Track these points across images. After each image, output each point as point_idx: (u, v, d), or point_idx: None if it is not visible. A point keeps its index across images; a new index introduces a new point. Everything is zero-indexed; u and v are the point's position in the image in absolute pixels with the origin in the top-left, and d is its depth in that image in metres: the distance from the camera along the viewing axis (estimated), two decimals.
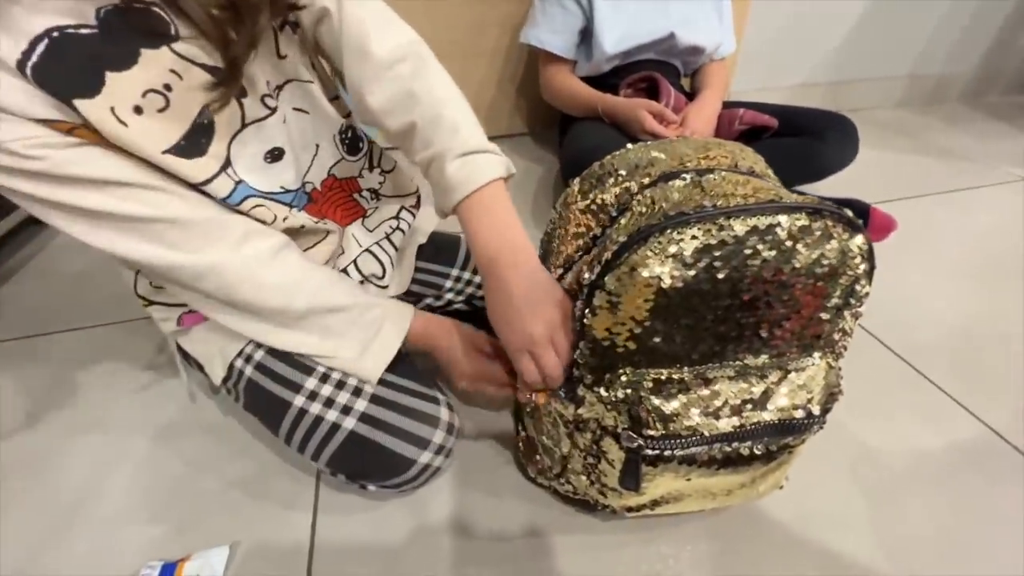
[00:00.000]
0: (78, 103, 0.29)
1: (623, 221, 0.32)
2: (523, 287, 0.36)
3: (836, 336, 0.34)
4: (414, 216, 0.52)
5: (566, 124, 0.96)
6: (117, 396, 0.55)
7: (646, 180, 0.33)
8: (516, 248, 0.37)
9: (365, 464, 0.41)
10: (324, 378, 0.41)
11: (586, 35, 0.90)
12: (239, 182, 0.37)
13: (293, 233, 0.42)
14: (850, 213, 0.30)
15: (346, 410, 0.40)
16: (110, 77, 0.30)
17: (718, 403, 0.32)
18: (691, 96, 0.93)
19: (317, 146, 0.42)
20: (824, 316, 0.32)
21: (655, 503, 0.40)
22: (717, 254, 0.28)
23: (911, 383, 0.58)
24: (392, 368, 0.42)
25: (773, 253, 0.29)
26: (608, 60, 0.89)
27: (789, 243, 0.29)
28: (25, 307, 0.71)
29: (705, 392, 0.32)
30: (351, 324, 0.41)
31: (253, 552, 0.42)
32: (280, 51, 0.38)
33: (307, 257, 0.41)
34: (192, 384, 0.54)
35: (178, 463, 0.49)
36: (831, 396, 0.34)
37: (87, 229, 0.33)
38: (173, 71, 0.32)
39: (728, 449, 0.34)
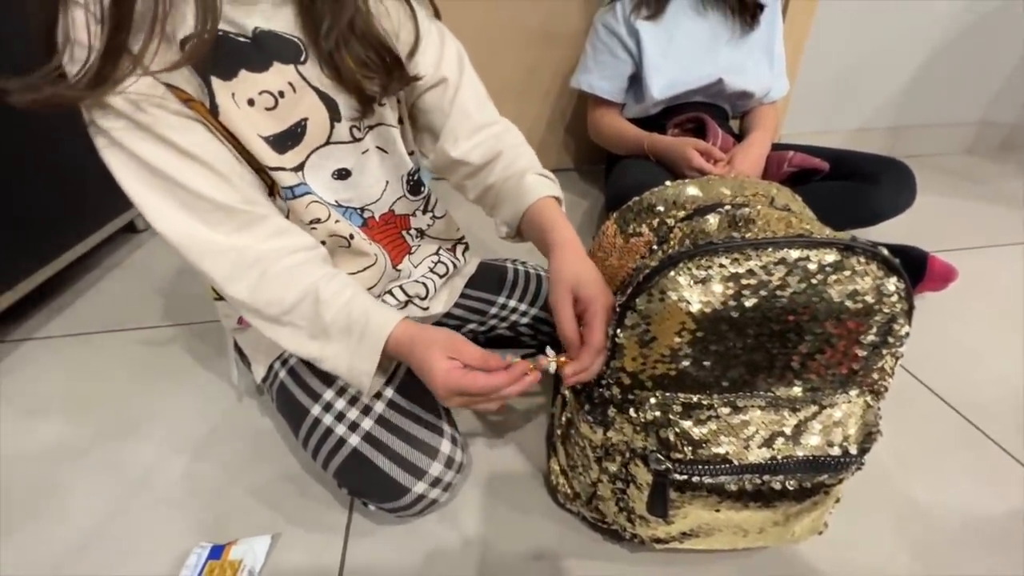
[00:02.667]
0: (213, 80, 0.36)
1: (659, 253, 0.34)
2: (595, 268, 0.40)
3: (874, 375, 0.34)
4: (453, 256, 0.56)
5: (613, 161, 0.99)
6: (179, 391, 0.61)
7: (681, 214, 0.35)
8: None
9: (364, 483, 0.43)
10: (341, 391, 0.44)
11: (635, 80, 0.94)
12: (304, 182, 0.42)
13: (342, 248, 0.45)
14: (885, 251, 0.30)
15: (353, 426, 0.42)
16: (243, 73, 0.37)
17: (748, 432, 0.33)
18: (740, 138, 0.94)
19: (387, 182, 0.47)
20: (860, 352, 0.32)
21: (684, 535, 0.39)
22: (745, 283, 0.30)
23: (969, 440, 0.54)
24: (404, 389, 0.44)
25: (803, 286, 0.30)
26: (656, 104, 0.92)
27: (820, 277, 0.30)
28: (115, 302, 0.79)
29: (735, 420, 0.33)
30: (336, 316, 0.39)
31: (292, 543, 0.44)
32: (381, 100, 0.44)
33: (353, 279, 0.44)
34: (243, 383, 0.58)
35: (228, 457, 0.52)
36: (869, 436, 0.33)
37: (143, 188, 0.36)
38: (291, 84, 0.39)
39: (759, 481, 0.33)
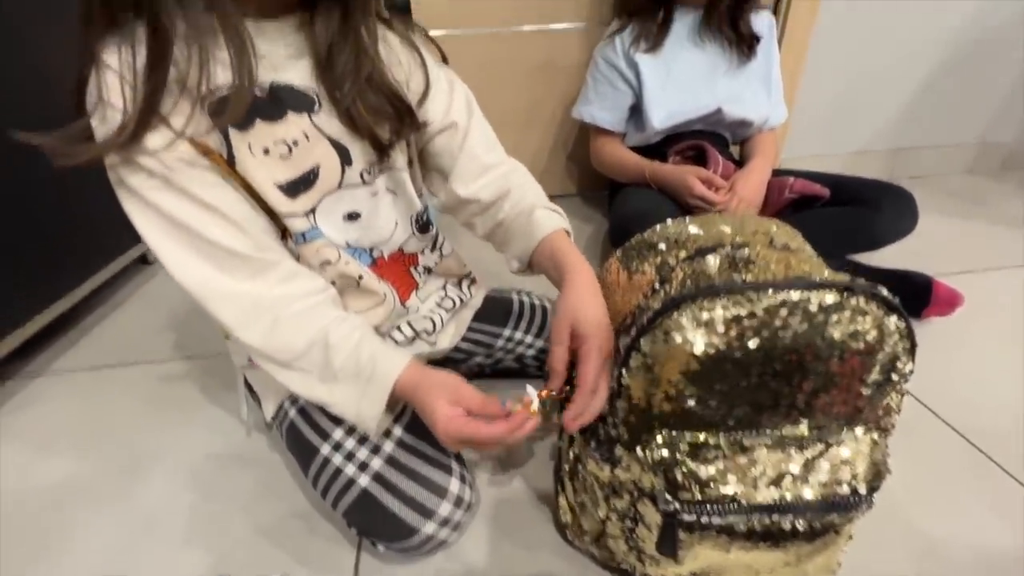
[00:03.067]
0: (231, 131, 0.37)
1: (661, 293, 0.34)
2: (602, 303, 0.40)
3: (880, 412, 0.34)
4: (460, 290, 0.57)
5: (615, 188, 1.01)
6: (189, 426, 0.62)
7: (683, 254, 0.36)
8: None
9: (373, 524, 0.43)
10: (351, 431, 0.44)
11: (636, 110, 0.96)
12: (315, 226, 0.43)
13: (349, 288, 0.47)
14: (884, 292, 0.31)
15: (363, 467, 0.43)
16: (259, 123, 0.39)
17: (756, 472, 0.33)
18: (740, 164, 0.96)
19: (397, 223, 0.48)
20: (864, 391, 0.32)
21: (695, 575, 0.39)
22: (747, 324, 0.30)
23: (982, 471, 0.53)
24: (413, 427, 0.44)
25: (805, 326, 0.30)
26: (657, 133, 0.94)
27: (821, 317, 0.30)
28: (127, 335, 0.81)
29: (742, 460, 0.33)
30: (345, 362, 0.39)
31: None
32: (393, 146, 0.45)
33: (362, 317, 0.46)
34: (251, 419, 0.59)
35: (237, 493, 0.53)
36: (877, 474, 0.33)
37: (162, 238, 0.37)
38: (304, 133, 0.41)
39: (768, 521, 0.33)
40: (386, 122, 0.43)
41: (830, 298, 0.30)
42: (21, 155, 0.69)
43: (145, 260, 1.02)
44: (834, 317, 0.30)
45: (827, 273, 0.32)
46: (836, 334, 0.30)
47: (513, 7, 1.04)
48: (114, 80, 0.34)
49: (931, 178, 1.30)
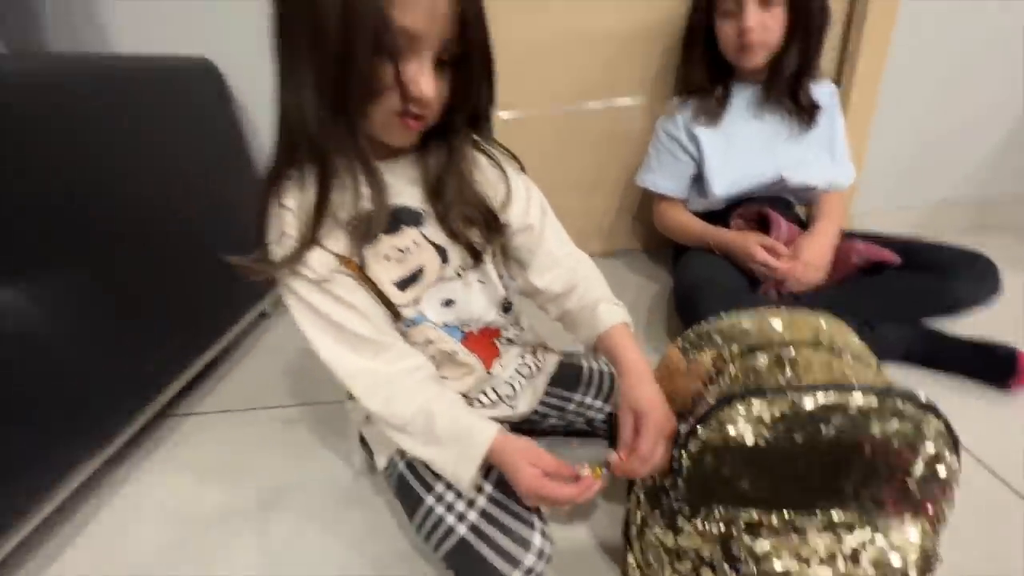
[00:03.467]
0: (365, 248, 0.48)
1: (719, 384, 0.40)
2: (656, 387, 0.47)
3: (929, 505, 0.37)
4: (536, 358, 0.65)
5: (680, 249, 1.06)
6: (306, 468, 0.73)
7: (735, 349, 0.42)
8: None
9: (468, 568, 0.49)
10: (450, 485, 0.52)
11: (698, 178, 1.01)
12: (420, 313, 0.53)
13: (446, 360, 0.56)
14: (923, 396, 0.35)
15: (460, 517, 0.50)
16: (383, 237, 0.50)
17: (807, 552, 0.37)
18: (805, 226, 0.98)
19: (484, 307, 0.58)
20: (911, 485, 0.36)
21: None
22: (793, 421, 0.35)
23: None
24: (501, 486, 0.51)
25: (847, 425, 0.35)
26: (719, 201, 0.99)
27: (861, 419, 0.34)
28: (253, 381, 0.96)
29: (795, 539, 0.37)
30: (445, 429, 0.48)
31: None
32: (484, 249, 0.56)
33: (451, 385, 0.55)
34: (363, 465, 0.69)
35: (348, 532, 0.62)
36: (928, 563, 0.36)
37: (310, 324, 0.48)
38: (414, 241, 0.51)
39: None
40: (477, 229, 0.54)
41: (869, 401, 0.35)
42: (187, 241, 0.88)
43: (265, 314, 1.20)
44: (873, 417, 0.35)
45: (868, 376, 0.36)
46: (876, 433, 0.35)
47: (578, 88, 1.16)
48: (290, 217, 0.46)
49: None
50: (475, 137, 0.56)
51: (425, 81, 0.42)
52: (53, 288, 0.61)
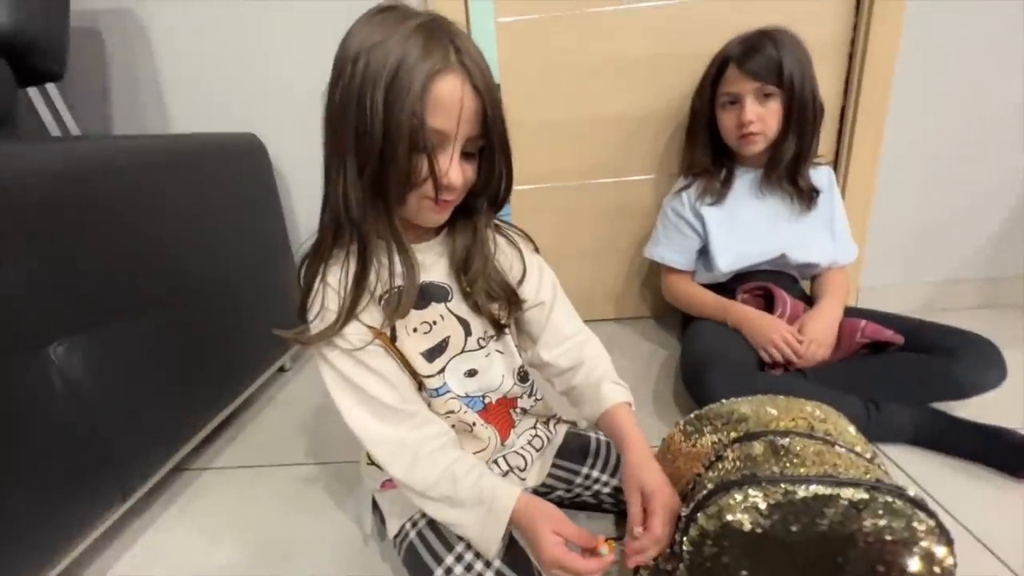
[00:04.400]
0: (397, 321, 0.53)
1: (716, 470, 0.42)
2: (657, 466, 0.49)
3: None
4: (547, 429, 0.67)
5: (688, 317, 1.09)
6: (317, 527, 0.74)
7: (733, 435, 0.44)
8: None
9: None
10: (459, 558, 0.53)
11: (703, 251, 1.06)
12: (445, 383, 0.57)
13: (465, 433, 0.59)
14: (912, 493, 0.37)
15: None
16: (413, 312, 0.54)
17: None
18: (810, 301, 1.01)
19: (503, 376, 0.62)
20: None
21: None
22: (788, 510, 0.37)
23: None
24: (509, 559, 0.51)
25: (839, 518, 0.36)
26: (724, 275, 1.03)
27: (853, 512, 0.36)
28: (270, 438, 0.98)
29: None
30: (470, 492, 0.50)
31: None
32: (505, 322, 0.60)
33: (469, 455, 0.57)
34: (373, 530, 0.70)
35: None
36: None
37: (341, 392, 0.52)
38: (441, 315, 0.56)
39: None
40: (498, 303, 0.58)
41: (860, 495, 0.37)
42: (218, 299, 0.94)
43: (282, 368, 1.24)
44: (866, 512, 0.36)
45: (859, 467, 0.38)
46: (868, 527, 0.36)
47: (591, 165, 1.24)
48: (332, 293, 0.52)
49: None
50: (496, 221, 0.62)
51: (454, 172, 0.49)
52: (89, 345, 0.66)
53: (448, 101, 0.45)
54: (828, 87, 1.13)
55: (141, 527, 0.77)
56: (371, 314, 0.52)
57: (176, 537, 0.75)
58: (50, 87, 0.99)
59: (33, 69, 0.85)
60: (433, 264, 0.57)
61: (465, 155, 0.50)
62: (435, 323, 0.56)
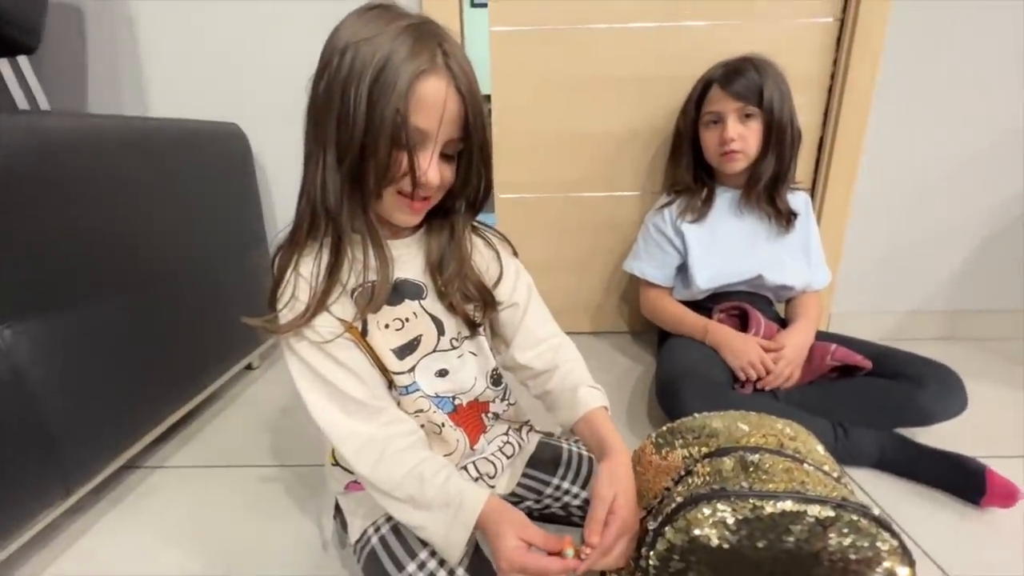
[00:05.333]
0: (369, 315, 0.52)
1: (686, 484, 0.42)
2: (631, 483, 0.48)
3: None
4: (519, 436, 0.66)
5: (664, 333, 1.09)
6: (277, 531, 0.71)
7: (704, 450, 0.44)
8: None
9: None
10: (421, 566, 0.51)
11: (681, 269, 1.08)
12: (415, 381, 0.55)
13: (433, 435, 0.57)
14: (876, 512, 0.37)
15: None
16: (385, 307, 0.53)
17: None
18: (783, 322, 1.03)
19: (476, 378, 0.60)
20: None
21: None
22: (755, 526, 0.37)
23: None
24: (477, 572, 0.50)
25: (805, 534, 0.36)
26: (702, 292, 1.04)
27: (819, 529, 0.36)
28: (232, 437, 0.94)
29: None
30: (437, 494, 0.48)
31: None
32: (479, 322, 0.59)
33: (438, 456, 0.55)
34: (333, 537, 0.67)
35: None
36: None
37: (308, 385, 0.50)
38: (414, 312, 0.55)
39: None
40: (473, 304, 0.57)
41: (826, 512, 0.36)
42: (187, 290, 0.91)
43: (250, 366, 1.20)
44: (831, 529, 0.36)
45: (827, 485, 0.38)
46: (833, 544, 0.36)
47: (577, 178, 1.25)
48: (303, 284, 0.50)
49: (992, 343, 1.28)
50: (474, 223, 0.61)
51: (432, 171, 0.49)
52: (40, 330, 0.63)
53: (432, 101, 0.46)
54: (808, 117, 1.17)
55: (84, 526, 0.73)
56: (343, 307, 0.51)
57: (120, 538, 0.71)
58: (23, 61, 0.96)
59: (3, 39, 0.81)
60: (409, 261, 0.56)
61: (444, 156, 0.50)
62: (407, 320, 0.55)
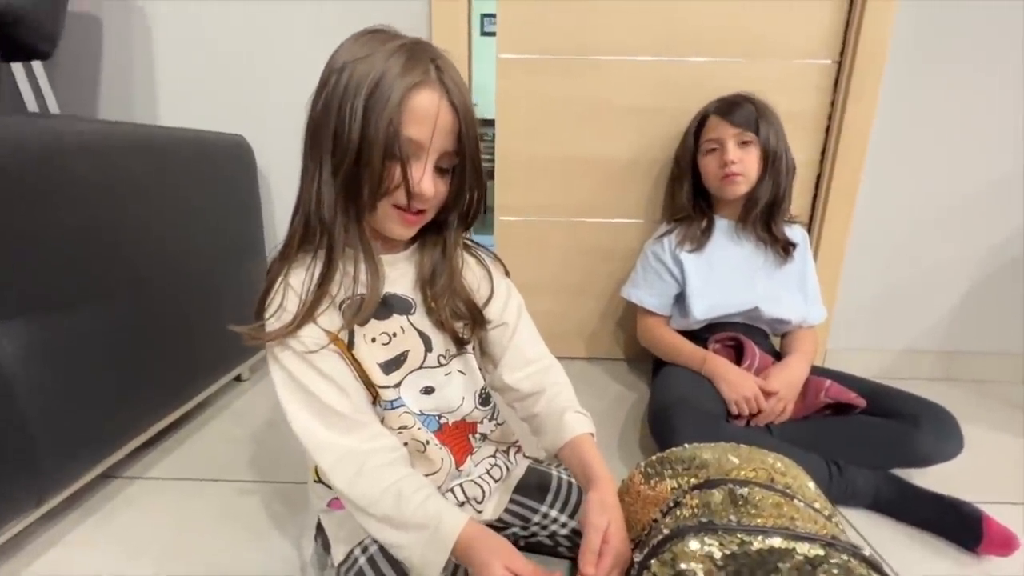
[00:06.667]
0: (356, 328, 0.51)
1: (674, 516, 0.41)
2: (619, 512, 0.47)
3: None
4: (507, 459, 0.65)
5: (660, 362, 1.09)
6: (255, 550, 0.68)
7: (693, 481, 0.43)
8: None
9: None
10: None
11: (679, 298, 1.08)
12: (399, 397, 0.55)
13: (417, 453, 0.56)
14: (866, 552, 0.36)
15: None
16: (373, 321, 0.53)
17: None
18: (779, 357, 1.02)
19: (463, 397, 0.60)
20: None
21: None
22: (742, 561, 0.36)
23: None
24: None
25: (793, 574, 0.35)
26: (698, 322, 1.04)
27: (808, 568, 0.35)
28: (215, 449, 0.92)
29: None
30: (415, 512, 0.47)
31: None
32: (468, 339, 0.59)
33: (419, 475, 0.54)
34: (312, 559, 0.65)
35: None
36: None
37: (289, 394, 0.50)
38: (402, 327, 0.55)
39: None
40: (462, 321, 0.57)
41: (815, 550, 0.35)
42: (181, 299, 0.90)
43: (239, 378, 1.19)
44: (821, 568, 0.35)
45: (817, 523, 0.37)
46: None
47: (577, 204, 1.27)
48: (292, 294, 0.50)
49: (989, 384, 1.27)
50: (467, 241, 0.61)
51: (426, 182, 0.49)
52: (27, 331, 0.62)
53: (424, 113, 0.47)
54: (805, 154, 1.19)
55: (57, 534, 0.71)
56: (330, 318, 0.51)
57: (91, 549, 0.69)
58: (36, 65, 0.97)
59: (20, 45, 0.83)
60: (399, 276, 0.56)
61: (439, 171, 0.51)
62: (395, 335, 0.54)
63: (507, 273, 0.64)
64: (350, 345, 0.52)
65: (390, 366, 0.54)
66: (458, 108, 0.48)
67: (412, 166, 0.48)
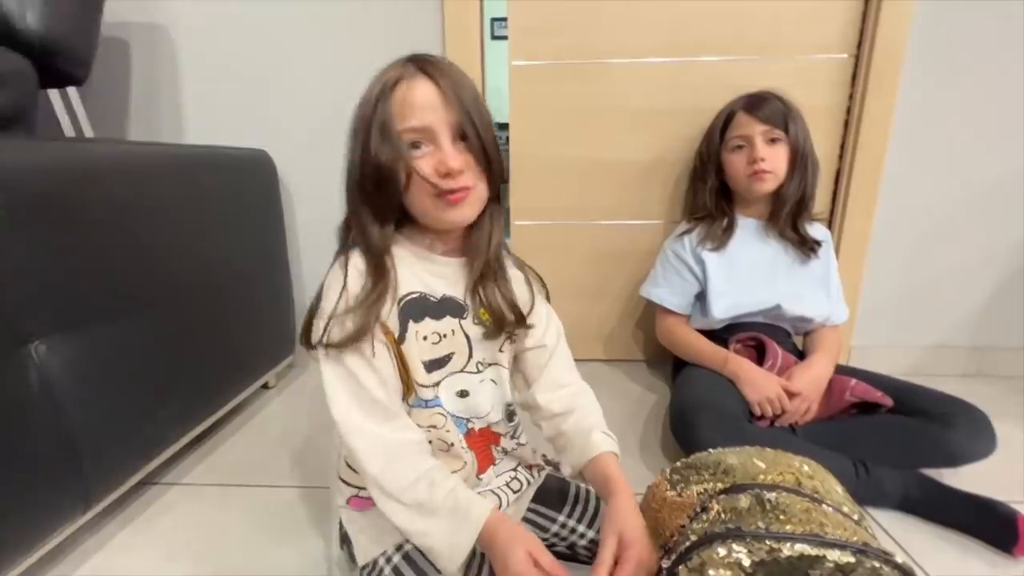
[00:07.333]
0: (410, 323, 0.54)
1: (701, 521, 0.41)
2: (642, 520, 0.48)
3: None
4: (528, 474, 0.66)
5: (680, 362, 1.08)
6: (284, 553, 0.70)
7: (720, 486, 0.43)
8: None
9: None
10: None
11: (700, 297, 1.07)
12: (437, 396, 0.57)
13: (442, 452, 0.57)
14: (900, 559, 0.36)
15: None
16: (427, 319, 0.55)
17: None
18: (802, 357, 1.01)
19: (492, 406, 0.61)
20: None
21: None
22: (772, 569, 0.36)
23: None
24: None
25: None
26: (719, 322, 1.03)
27: (839, 574, 0.35)
28: (245, 456, 0.95)
29: None
30: (445, 499, 0.49)
31: None
32: (501, 348, 0.61)
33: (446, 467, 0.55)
34: (340, 558, 0.67)
35: None
36: None
37: (334, 377, 0.51)
38: (452, 330, 0.57)
39: None
40: (507, 329, 0.59)
41: (846, 557, 0.36)
42: (211, 308, 0.93)
43: (266, 386, 1.22)
44: (851, 575, 0.35)
45: (847, 528, 0.37)
46: None
47: (592, 207, 1.27)
48: (349, 294, 0.52)
49: (1022, 380, 1.24)
50: (518, 257, 0.64)
51: (452, 157, 0.50)
52: (71, 345, 0.65)
53: (412, 100, 0.49)
54: (824, 149, 1.17)
55: (101, 540, 0.74)
56: (387, 312, 0.53)
57: (133, 553, 0.72)
58: (71, 90, 1.02)
59: (57, 72, 0.87)
60: (457, 282, 0.58)
61: (461, 141, 0.52)
62: (445, 336, 0.56)
63: (548, 297, 0.66)
64: (401, 340, 0.54)
65: (433, 365, 0.56)
66: (444, 86, 0.50)
67: (431, 148, 0.50)
